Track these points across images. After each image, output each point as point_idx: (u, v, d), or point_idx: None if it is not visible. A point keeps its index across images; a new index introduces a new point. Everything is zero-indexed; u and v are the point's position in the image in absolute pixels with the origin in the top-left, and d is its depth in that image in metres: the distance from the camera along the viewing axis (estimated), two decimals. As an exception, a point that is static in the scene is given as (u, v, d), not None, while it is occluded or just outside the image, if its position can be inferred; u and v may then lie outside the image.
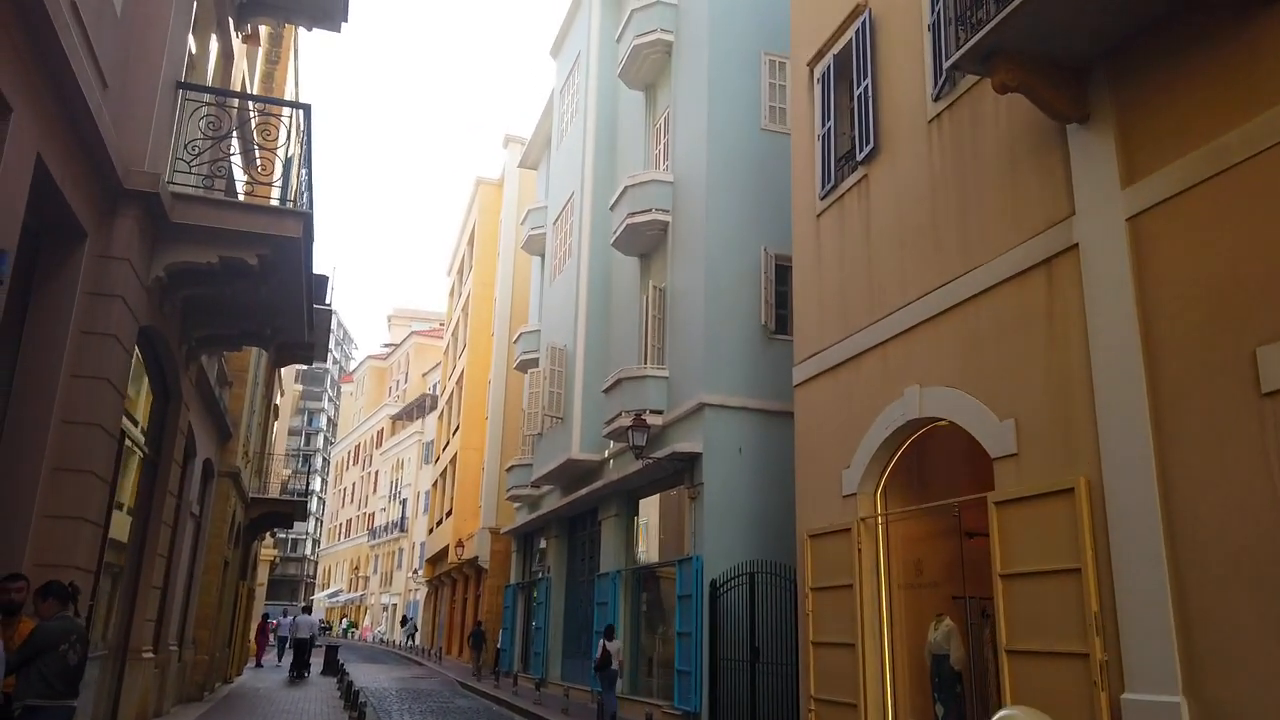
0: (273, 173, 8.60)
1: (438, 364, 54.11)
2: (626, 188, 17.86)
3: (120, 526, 9.16)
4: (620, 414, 16.79)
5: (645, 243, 18.12)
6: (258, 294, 8.73)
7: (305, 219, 7.97)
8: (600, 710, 14.81)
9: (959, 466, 9.85)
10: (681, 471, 15.40)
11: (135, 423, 9.21)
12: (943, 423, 9.39)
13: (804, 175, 12.16)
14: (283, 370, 32.33)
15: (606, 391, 17.77)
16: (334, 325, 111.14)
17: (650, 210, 17.39)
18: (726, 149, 16.12)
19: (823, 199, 11.57)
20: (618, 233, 18.24)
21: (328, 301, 22.72)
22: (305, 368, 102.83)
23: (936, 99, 9.41)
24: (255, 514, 22.50)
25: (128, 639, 9.44)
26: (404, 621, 50.22)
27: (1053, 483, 7.31)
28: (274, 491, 28.76)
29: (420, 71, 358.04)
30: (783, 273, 15.84)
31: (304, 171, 8.43)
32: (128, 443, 8.63)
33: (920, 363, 9.26)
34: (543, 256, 27.49)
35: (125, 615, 9.49)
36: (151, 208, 7.36)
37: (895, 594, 9.89)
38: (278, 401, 31.79)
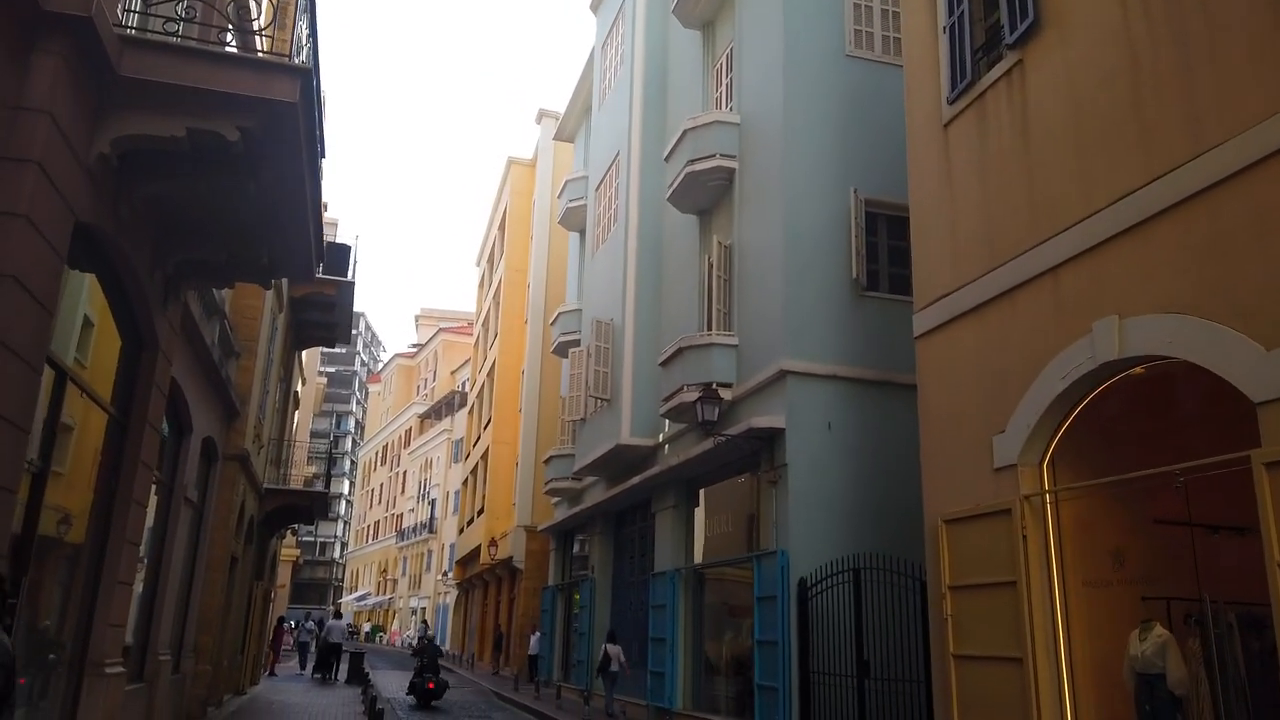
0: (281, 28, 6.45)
1: (466, 360, 52.15)
2: (686, 131, 15.65)
3: (71, 502, 7.09)
4: (682, 388, 14.57)
5: (706, 195, 15.90)
6: (246, 194, 6.59)
7: (304, 77, 5.81)
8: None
9: (1165, 424, 7.58)
10: (757, 452, 13.16)
11: (104, 370, 7.16)
12: (1138, 369, 7.15)
13: (923, 80, 9.91)
14: (304, 356, 30.45)
15: (664, 364, 15.56)
16: (362, 327, 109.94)
17: (714, 156, 15.17)
18: (806, 81, 13.89)
19: (952, 103, 9.31)
20: (674, 186, 16.03)
21: (350, 275, 20.82)
22: (333, 370, 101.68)
23: (1134, -60, 7.15)
24: (271, 507, 20.46)
25: (85, 650, 7.34)
26: (423, 624, 50.50)
27: (1376, 430, 5.04)
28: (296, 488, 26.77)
29: (446, 65, 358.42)
30: (873, 220, 13.60)
31: (303, 21, 6.36)
32: (75, 389, 6.55)
33: (1117, 287, 6.98)
34: (582, 232, 25.39)
35: (83, 619, 7.39)
36: (87, 47, 5.25)
37: (1074, 594, 7.61)
38: (299, 389, 29.85)
